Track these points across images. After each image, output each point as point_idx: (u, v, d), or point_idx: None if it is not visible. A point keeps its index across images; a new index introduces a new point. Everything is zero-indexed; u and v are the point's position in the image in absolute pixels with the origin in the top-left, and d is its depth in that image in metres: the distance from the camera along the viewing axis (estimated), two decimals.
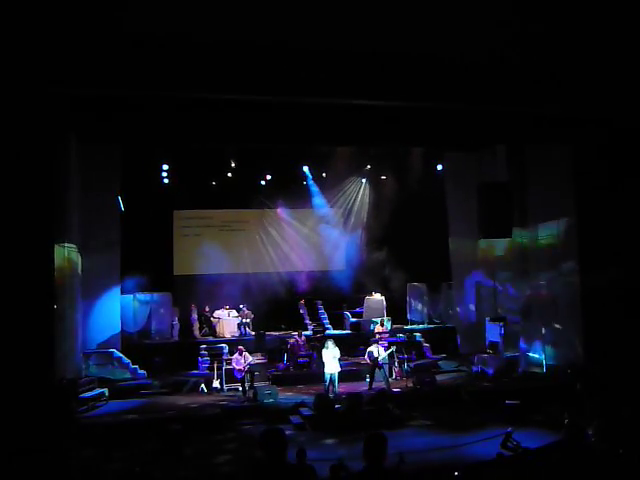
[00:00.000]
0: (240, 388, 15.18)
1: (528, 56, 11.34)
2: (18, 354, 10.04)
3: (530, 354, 16.96)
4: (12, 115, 10.12)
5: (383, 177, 23.08)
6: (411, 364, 16.95)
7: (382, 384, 15.24)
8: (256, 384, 15.31)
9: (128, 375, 16.53)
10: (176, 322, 19.90)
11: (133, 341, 18.41)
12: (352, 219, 23.69)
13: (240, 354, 15.44)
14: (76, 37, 9.72)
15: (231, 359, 15.78)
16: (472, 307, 19.69)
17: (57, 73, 10.01)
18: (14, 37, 9.34)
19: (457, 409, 14.06)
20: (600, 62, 11.43)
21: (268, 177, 21.42)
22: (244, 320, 20.17)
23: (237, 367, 15.28)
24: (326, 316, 22.00)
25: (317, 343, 17.69)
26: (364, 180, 23.53)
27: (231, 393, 15.23)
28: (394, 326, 20.48)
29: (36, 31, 9.33)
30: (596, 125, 13.30)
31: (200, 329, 20.31)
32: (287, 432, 11.84)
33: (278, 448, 4.90)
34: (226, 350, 17.58)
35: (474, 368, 17.28)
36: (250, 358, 15.51)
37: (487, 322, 18.35)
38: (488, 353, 17.14)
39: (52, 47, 9.67)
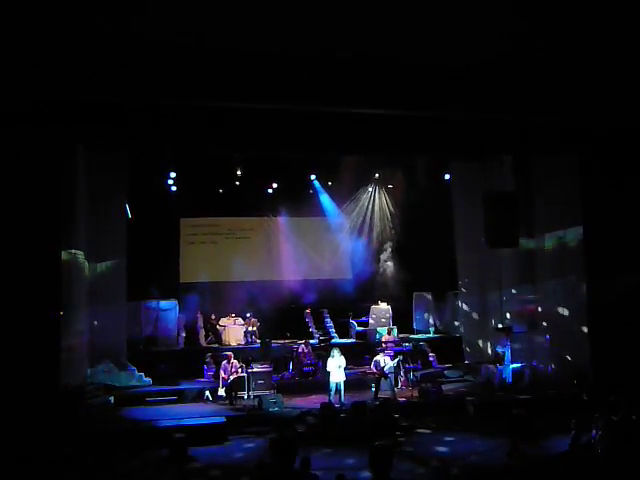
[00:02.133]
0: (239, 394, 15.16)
1: (535, 65, 11.34)
2: (25, 360, 10.08)
3: (536, 364, 16.89)
4: (20, 123, 10.20)
5: (390, 186, 23.15)
6: (417, 374, 16.88)
7: (388, 394, 15.20)
8: (261, 392, 15.29)
9: (134, 382, 16.51)
10: (182, 330, 19.92)
11: (139, 348, 18.42)
12: (359, 227, 23.67)
13: (228, 362, 15.29)
14: (84, 46, 9.79)
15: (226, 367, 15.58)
16: (478, 316, 19.62)
17: (64, 81, 10.07)
18: (23, 45, 9.41)
19: (463, 418, 14.02)
20: (607, 71, 11.43)
21: (275, 185, 21.49)
22: (250, 328, 20.16)
23: (223, 375, 15.16)
24: (332, 325, 21.96)
25: (323, 352, 17.66)
26: (371, 189, 23.55)
27: (238, 401, 15.17)
28: (400, 335, 20.46)
29: (44, 39, 9.40)
30: (603, 134, 13.28)
31: (206, 337, 20.30)
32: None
33: (287, 456, 4.90)
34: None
35: (480, 378, 17.23)
36: (237, 366, 15.36)
37: (493, 332, 18.30)
38: (494, 363, 17.06)
39: (60, 55, 9.73)
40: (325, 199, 22.87)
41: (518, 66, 11.44)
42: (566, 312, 16.07)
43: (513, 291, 18.03)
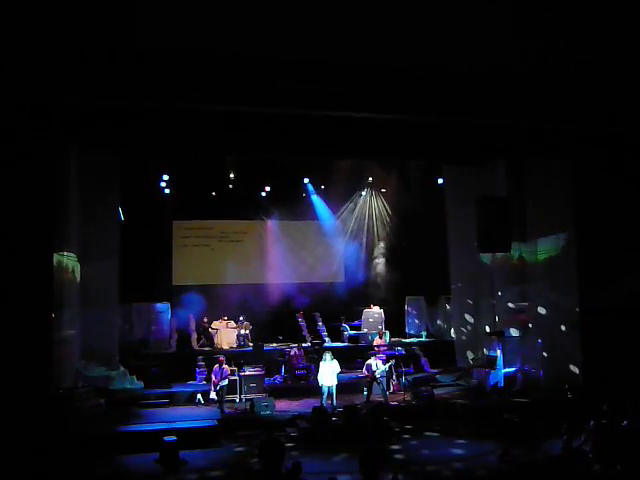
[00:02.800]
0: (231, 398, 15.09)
1: (529, 70, 11.39)
2: (15, 363, 10.03)
3: (527, 369, 16.92)
4: (14, 125, 10.17)
5: (383, 190, 23.20)
6: (409, 378, 16.89)
7: (380, 397, 15.19)
8: (253, 396, 15.26)
9: (125, 385, 16.45)
10: (174, 332, 19.86)
11: (131, 351, 18.34)
12: (351, 231, 23.71)
13: (220, 366, 14.98)
14: (78, 49, 9.78)
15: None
16: (471, 321, 19.65)
17: (59, 84, 10.05)
18: (19, 49, 9.39)
19: (454, 423, 14.02)
20: (600, 76, 11.49)
21: (268, 189, 21.51)
22: (242, 331, 20.12)
23: (214, 380, 14.84)
24: (324, 328, 21.94)
25: (315, 355, 17.65)
26: (364, 193, 23.58)
27: (228, 405, 15.14)
28: (392, 339, 20.47)
29: (41, 42, 9.38)
30: (596, 139, 13.34)
31: (198, 340, 20.25)
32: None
33: (275, 459, 4.90)
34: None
35: (472, 382, 17.25)
36: (228, 372, 15.09)
37: (485, 336, 18.33)
38: (486, 367, 17.08)
39: (55, 58, 9.72)
40: (318, 203, 22.90)
41: (511, 72, 11.49)
42: (557, 317, 16.11)
43: (505, 295, 18.06)
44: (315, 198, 22.82)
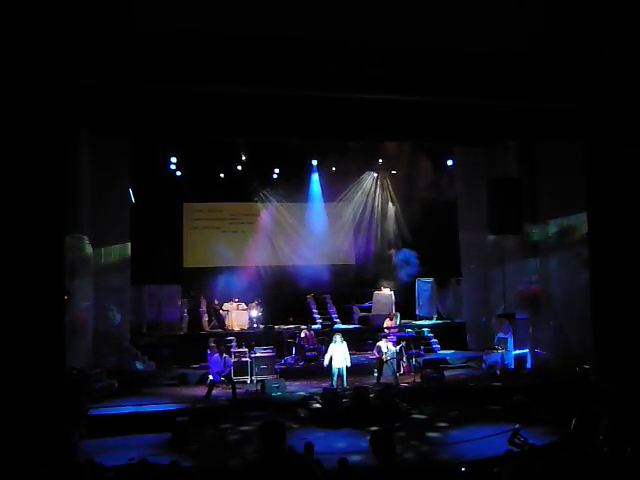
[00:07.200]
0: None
1: (540, 50, 11.26)
2: (29, 345, 10.11)
3: (538, 350, 16.93)
4: (24, 108, 10.17)
5: (394, 172, 23.11)
6: (419, 359, 16.94)
7: (390, 379, 15.26)
8: (264, 377, 15.36)
9: (137, 366, 16.62)
10: (185, 314, 19.98)
11: (142, 332, 18.50)
12: (362, 213, 23.65)
13: (220, 355, 14.42)
14: (87, 32, 9.74)
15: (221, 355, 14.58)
16: (481, 303, 19.62)
17: (68, 66, 10.04)
18: (28, 31, 9.37)
19: (464, 404, 14.06)
20: (612, 56, 11.34)
21: (278, 170, 21.47)
22: (253, 313, 20.22)
23: (215, 369, 14.25)
24: (334, 310, 22.02)
25: (325, 337, 17.73)
26: (375, 174, 23.49)
27: (239, 385, 15.23)
28: (403, 321, 20.50)
29: (47, 24, 9.36)
30: (609, 120, 13.20)
31: (209, 321, 20.37)
32: (294, 425, 11.95)
33: (276, 440, 4.94)
34: (234, 343, 17.61)
35: (482, 364, 17.28)
36: (230, 363, 14.64)
37: (496, 318, 18.33)
38: (496, 349, 17.11)
39: (63, 40, 9.69)
40: (328, 185, 22.81)
41: (522, 53, 11.35)
42: (569, 299, 16.06)
43: (516, 278, 18.02)
44: (325, 180, 22.73)
